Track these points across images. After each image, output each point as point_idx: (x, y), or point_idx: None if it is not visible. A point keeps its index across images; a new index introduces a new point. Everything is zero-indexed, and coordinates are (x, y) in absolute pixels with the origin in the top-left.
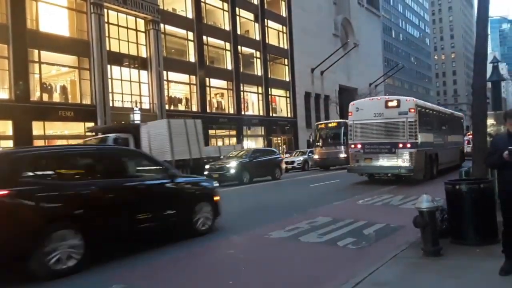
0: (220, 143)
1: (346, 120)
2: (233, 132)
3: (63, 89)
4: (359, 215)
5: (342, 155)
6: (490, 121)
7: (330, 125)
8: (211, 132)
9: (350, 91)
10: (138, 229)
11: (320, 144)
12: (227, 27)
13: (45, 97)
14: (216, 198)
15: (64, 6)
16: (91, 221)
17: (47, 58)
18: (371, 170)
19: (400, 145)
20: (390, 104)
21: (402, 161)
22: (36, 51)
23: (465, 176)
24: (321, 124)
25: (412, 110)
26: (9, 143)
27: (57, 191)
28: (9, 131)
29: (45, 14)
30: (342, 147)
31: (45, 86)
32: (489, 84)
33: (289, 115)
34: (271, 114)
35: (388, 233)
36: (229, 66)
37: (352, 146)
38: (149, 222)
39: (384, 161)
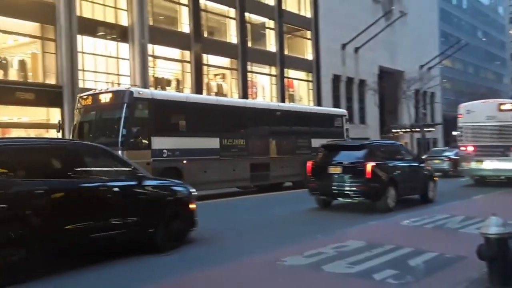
0: None
1: (140, 90)
2: None
3: (22, 64)
4: (403, 240)
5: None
6: None
7: (101, 99)
8: None
9: (394, 75)
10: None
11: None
12: None
13: None
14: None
15: None
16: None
17: (1, 25)
18: (483, 173)
19: None
20: (503, 107)
21: None
22: None
23: None
24: (83, 98)
25: None
26: None
27: (387, 164)
28: None
29: None
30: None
31: None
32: None
33: (311, 104)
34: (287, 102)
35: (442, 266)
36: (233, 39)
37: (463, 148)
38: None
39: (497, 164)
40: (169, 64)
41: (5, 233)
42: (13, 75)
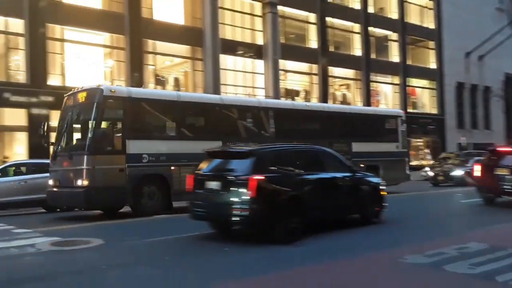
0: None
1: (112, 88)
2: None
3: (176, 81)
4: None
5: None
6: None
7: (77, 98)
8: None
9: None
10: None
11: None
12: (356, 5)
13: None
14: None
15: None
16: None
17: (161, 49)
18: None
19: None
20: None
21: None
22: (150, 42)
23: None
24: (65, 97)
25: None
26: None
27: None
28: None
29: (159, 2)
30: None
31: (158, 77)
32: None
33: (434, 112)
34: (409, 110)
35: None
36: (357, 52)
37: None
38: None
39: None
40: (298, 76)
41: (290, 207)
42: (169, 90)
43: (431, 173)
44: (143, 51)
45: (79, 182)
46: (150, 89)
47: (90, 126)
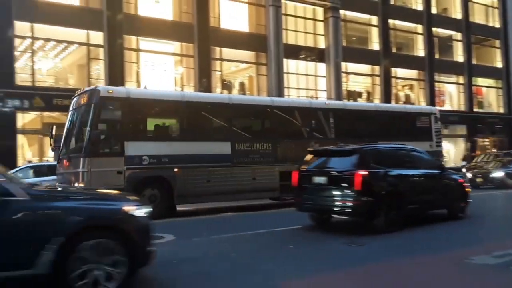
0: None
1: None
2: None
3: (242, 85)
4: None
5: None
6: None
7: (78, 100)
8: None
9: None
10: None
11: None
12: (419, 6)
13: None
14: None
15: (243, 1)
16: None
17: (227, 55)
18: None
19: None
20: None
21: None
22: (217, 49)
23: None
24: (72, 99)
25: None
26: None
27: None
28: None
29: (225, 11)
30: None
31: (225, 82)
32: None
33: (501, 111)
34: (475, 110)
35: None
36: (420, 52)
37: None
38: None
39: None
40: (360, 78)
41: (389, 200)
42: (235, 94)
43: (469, 175)
44: (210, 58)
45: (76, 185)
46: (151, 90)
47: (87, 127)
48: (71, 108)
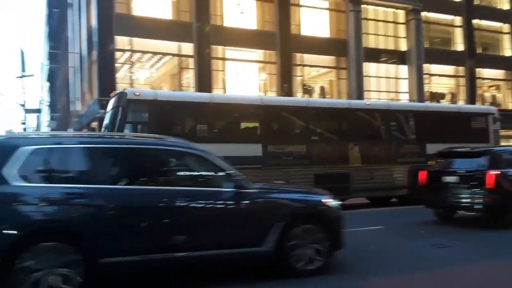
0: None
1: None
2: None
3: (322, 89)
4: None
5: None
6: None
7: (110, 103)
8: None
9: None
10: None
11: None
12: (505, 5)
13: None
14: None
15: (323, 8)
16: None
17: (308, 61)
18: None
19: None
20: None
21: None
22: (298, 55)
23: None
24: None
25: None
26: None
27: None
28: None
29: (306, 18)
30: None
31: (305, 87)
32: None
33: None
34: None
35: None
36: (507, 52)
37: None
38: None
39: None
40: (443, 80)
41: None
42: (315, 97)
43: None
44: (292, 64)
45: None
46: (180, 92)
47: (114, 129)
48: (107, 110)
